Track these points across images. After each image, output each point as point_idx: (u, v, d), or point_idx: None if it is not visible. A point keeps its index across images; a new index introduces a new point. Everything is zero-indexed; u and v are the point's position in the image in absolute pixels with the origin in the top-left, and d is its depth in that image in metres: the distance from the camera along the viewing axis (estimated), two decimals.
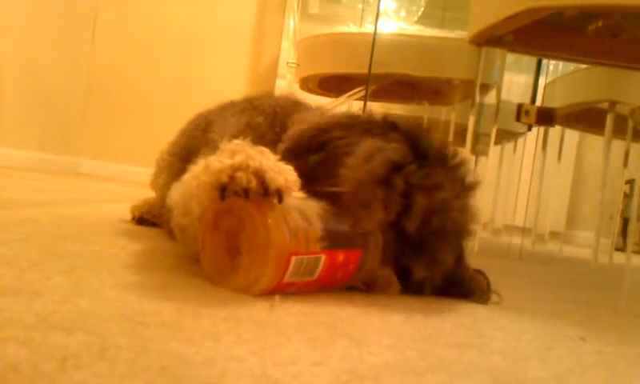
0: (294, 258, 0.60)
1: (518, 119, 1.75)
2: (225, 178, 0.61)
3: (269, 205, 0.61)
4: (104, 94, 3.67)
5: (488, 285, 0.84)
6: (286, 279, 0.61)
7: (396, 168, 0.71)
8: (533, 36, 1.37)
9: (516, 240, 2.24)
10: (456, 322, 0.69)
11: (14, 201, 1.34)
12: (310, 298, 0.64)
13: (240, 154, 0.63)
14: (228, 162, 0.62)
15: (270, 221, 0.60)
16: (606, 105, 1.89)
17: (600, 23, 1.29)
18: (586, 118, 2.15)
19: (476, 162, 2.34)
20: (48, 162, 3.39)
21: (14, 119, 3.13)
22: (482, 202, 1.98)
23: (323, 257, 0.63)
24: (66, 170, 3.54)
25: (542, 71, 2.38)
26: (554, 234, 2.96)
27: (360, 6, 3.32)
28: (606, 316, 0.93)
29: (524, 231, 2.27)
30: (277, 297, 0.60)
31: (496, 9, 1.24)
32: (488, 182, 2.03)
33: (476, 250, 1.72)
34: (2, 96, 3.01)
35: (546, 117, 1.75)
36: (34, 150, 3.29)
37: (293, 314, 0.57)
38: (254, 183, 0.60)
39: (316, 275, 0.64)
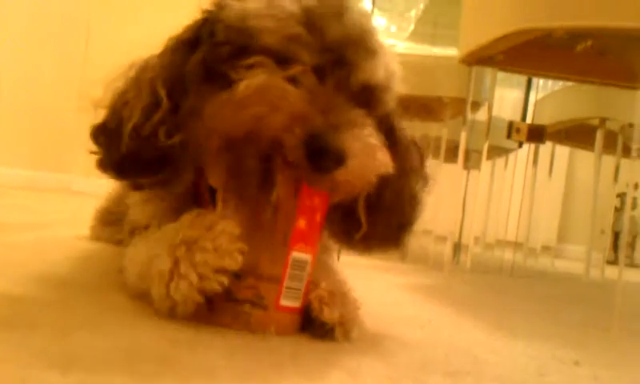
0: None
1: (509, 136, 1.76)
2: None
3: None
4: (96, 111, 3.66)
5: (422, 160, 0.76)
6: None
7: None
8: (523, 55, 1.38)
9: (508, 254, 2.25)
10: (450, 346, 0.69)
11: (6, 224, 1.34)
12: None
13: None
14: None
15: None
16: (596, 121, 1.91)
17: (589, 43, 1.30)
18: (577, 134, 2.17)
19: (467, 176, 2.36)
20: (40, 180, 3.38)
21: (6, 137, 3.12)
22: (474, 216, 1.99)
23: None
24: (58, 187, 3.53)
25: (532, 87, 2.41)
26: (546, 249, 2.97)
27: None
28: (599, 337, 0.93)
29: (516, 245, 2.27)
30: (272, 328, 0.60)
31: (486, 30, 1.25)
32: (480, 197, 2.04)
33: (468, 265, 1.73)
34: None
35: (537, 134, 1.76)
36: (26, 167, 3.28)
37: (288, 343, 0.58)
38: None
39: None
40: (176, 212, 0.73)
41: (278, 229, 0.61)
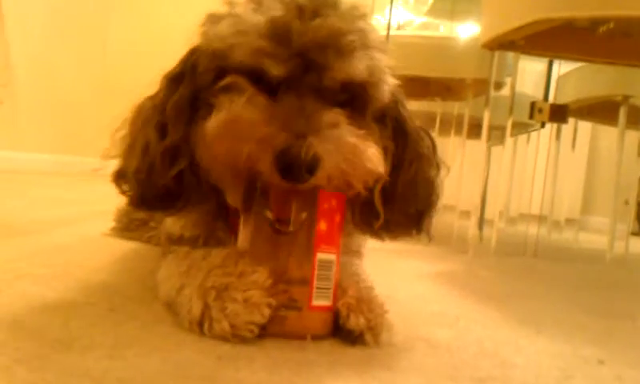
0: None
1: (531, 117, 1.76)
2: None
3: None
4: (118, 94, 3.71)
5: (434, 147, 0.78)
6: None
7: None
8: (544, 39, 1.38)
9: (532, 229, 2.25)
10: (478, 347, 0.72)
11: (40, 222, 1.38)
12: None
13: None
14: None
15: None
16: (619, 98, 1.90)
17: (611, 25, 1.30)
18: (599, 110, 2.16)
19: (490, 152, 2.36)
20: (66, 165, 3.44)
21: (31, 123, 3.18)
22: (497, 191, 2.00)
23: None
24: (83, 171, 3.59)
25: (554, 61, 2.38)
26: (570, 221, 2.97)
27: None
28: (623, 328, 0.95)
29: (540, 219, 2.28)
30: (308, 336, 0.63)
31: (507, 18, 1.25)
32: (503, 172, 2.04)
33: (494, 243, 1.73)
34: (17, 100, 3.06)
35: (560, 113, 1.76)
36: (52, 152, 3.34)
37: (324, 354, 0.61)
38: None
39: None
40: (205, 224, 0.77)
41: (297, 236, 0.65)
